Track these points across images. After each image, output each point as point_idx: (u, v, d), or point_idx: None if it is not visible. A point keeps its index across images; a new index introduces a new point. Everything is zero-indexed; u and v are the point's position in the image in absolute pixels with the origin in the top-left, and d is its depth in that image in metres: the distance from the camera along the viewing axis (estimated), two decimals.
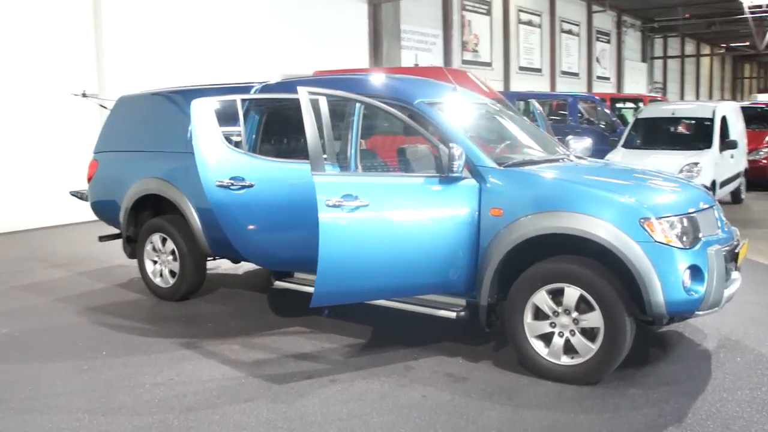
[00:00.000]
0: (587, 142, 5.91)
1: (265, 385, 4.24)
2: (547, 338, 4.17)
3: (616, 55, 30.19)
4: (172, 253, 6.08)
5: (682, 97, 36.30)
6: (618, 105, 18.80)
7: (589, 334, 4.02)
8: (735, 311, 5.50)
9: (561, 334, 4.11)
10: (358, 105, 4.83)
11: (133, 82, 9.21)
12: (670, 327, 5.12)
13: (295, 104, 4.71)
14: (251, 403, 3.98)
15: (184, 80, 9.16)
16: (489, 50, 21.15)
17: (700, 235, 4.03)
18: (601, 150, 11.23)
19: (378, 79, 5.12)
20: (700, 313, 3.96)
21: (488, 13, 21.08)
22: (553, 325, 4.13)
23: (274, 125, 5.44)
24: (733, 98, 43.44)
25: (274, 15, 14.15)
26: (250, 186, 4.68)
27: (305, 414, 3.81)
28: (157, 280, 6.26)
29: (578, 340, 4.05)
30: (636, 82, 30.89)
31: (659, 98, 21.75)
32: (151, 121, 6.45)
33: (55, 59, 10.47)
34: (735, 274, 4.53)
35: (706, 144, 10.39)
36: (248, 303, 6.14)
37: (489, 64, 21.16)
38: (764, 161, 13.66)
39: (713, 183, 10.08)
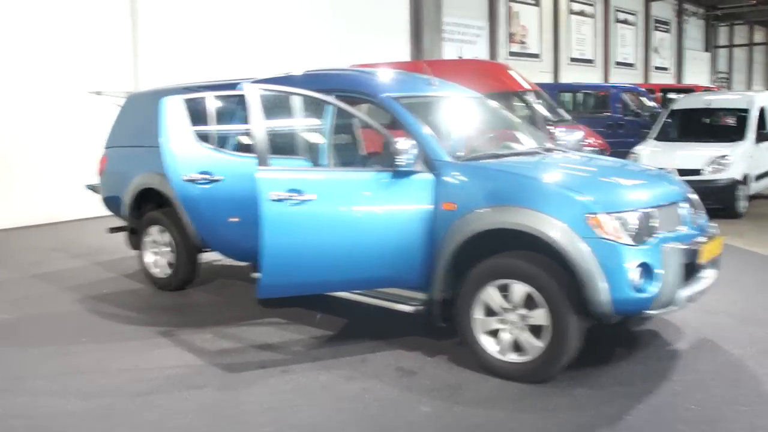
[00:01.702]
0: (578, 135, 5.74)
1: (219, 373, 4.34)
2: (496, 335, 4.10)
3: (676, 44, 29.06)
4: (169, 244, 6.27)
5: (749, 88, 34.63)
6: (670, 96, 18.15)
7: (537, 331, 3.94)
8: (729, 310, 5.31)
9: (509, 331, 4.04)
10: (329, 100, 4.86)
11: (167, 79, 9.46)
12: (646, 325, 4.97)
13: (275, 100, 4.81)
14: (199, 390, 4.09)
15: (218, 76, 9.34)
16: (538, 42, 20.75)
17: (655, 232, 3.88)
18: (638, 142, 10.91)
19: (347, 74, 5.14)
20: (652, 312, 3.83)
21: (537, 3, 20.68)
22: (501, 321, 4.06)
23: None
24: None
25: (310, 8, 14.21)
26: (218, 180, 4.78)
27: (244, 402, 3.90)
28: (155, 271, 6.46)
29: (525, 338, 3.98)
30: (698, 73, 29.63)
31: (716, 88, 20.88)
32: (155, 118, 6.63)
33: (93, 57, 10.81)
34: (706, 273, 4.34)
35: (741, 136, 9.95)
36: (240, 294, 6.25)
37: (537, 56, 20.77)
38: None
39: (745, 177, 9.65)
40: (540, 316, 3.88)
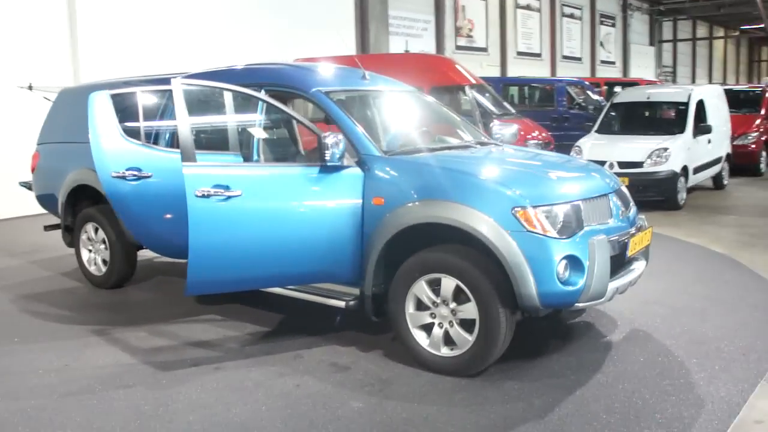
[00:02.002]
0: (513, 128, 5.81)
1: (150, 371, 4.28)
2: (428, 329, 4.13)
3: (621, 38, 29.63)
4: (104, 242, 6.14)
5: (693, 82, 35.55)
6: (615, 89, 18.51)
7: (467, 325, 3.97)
8: (664, 301, 5.45)
9: (441, 325, 4.08)
10: (262, 95, 4.81)
11: (108, 73, 9.23)
12: (581, 317, 5.08)
13: (207, 96, 4.74)
14: (129, 389, 4.03)
15: (159, 70, 9.17)
16: (485, 36, 20.91)
17: (583, 224, 3.94)
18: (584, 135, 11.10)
19: (280, 69, 5.10)
20: (580, 305, 3.89)
21: None
22: (433, 315, 4.10)
23: (195, 116, 5.40)
24: (749, 81, 42.43)
25: (254, 1, 14.09)
26: (148, 177, 4.70)
27: (175, 401, 3.85)
28: (92, 269, 6.33)
29: (456, 332, 4.02)
30: (643, 67, 30.28)
31: (659, 82, 21.37)
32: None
33: (30, 52, 10.52)
34: (636, 264, 4.44)
35: (681, 129, 10.21)
36: (178, 291, 6.15)
37: (485, 50, 20.93)
38: (752, 146, 13.36)
39: (685, 169, 9.92)
40: (469, 309, 3.92)
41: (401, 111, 5.41)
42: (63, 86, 7.01)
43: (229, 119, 4.91)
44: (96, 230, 6.21)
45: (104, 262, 6.21)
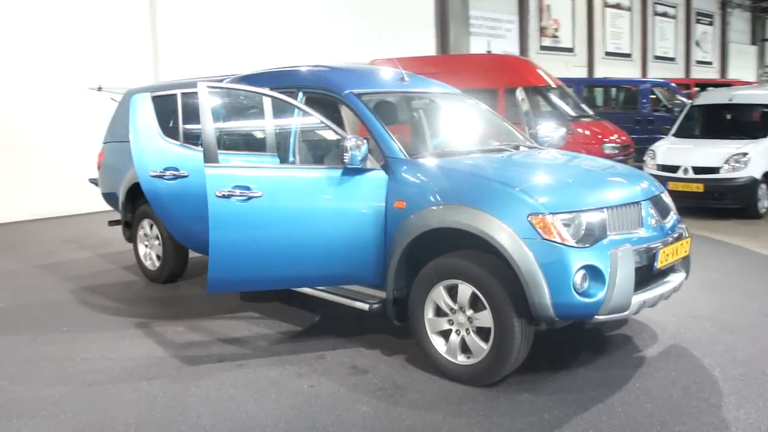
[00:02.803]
0: (560, 131, 5.61)
1: (177, 365, 4.41)
2: (446, 335, 4.06)
3: (719, 37, 28.09)
4: (157, 237, 6.38)
5: None
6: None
7: (483, 334, 3.87)
8: (716, 316, 5.14)
9: (458, 332, 3.99)
10: (299, 98, 4.87)
11: (187, 73, 9.58)
12: (620, 329, 4.85)
13: (246, 98, 4.84)
14: (152, 381, 4.16)
15: (236, 70, 9.44)
16: (571, 36, 20.34)
17: (606, 233, 3.76)
18: None
19: (314, 71, 5.13)
20: (601, 318, 3.69)
21: None
22: (450, 322, 4.02)
23: (232, 118, 5.53)
24: None
25: (334, 2, 14.20)
26: (185, 176, 4.84)
27: (190, 395, 3.95)
28: (147, 263, 6.59)
29: (472, 340, 3.92)
30: (743, 67, 28.56)
31: (757, 83, 20.12)
32: None
33: (114, 52, 11.04)
34: (672, 276, 4.20)
35: (764, 133, 9.58)
36: None
37: (571, 50, 20.37)
38: None
39: (767, 175, 9.29)
40: (485, 317, 3.82)
41: (437, 113, 5.33)
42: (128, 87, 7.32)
43: (267, 121, 4.98)
44: (151, 226, 6.45)
45: (158, 257, 6.44)
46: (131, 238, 6.85)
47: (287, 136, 4.94)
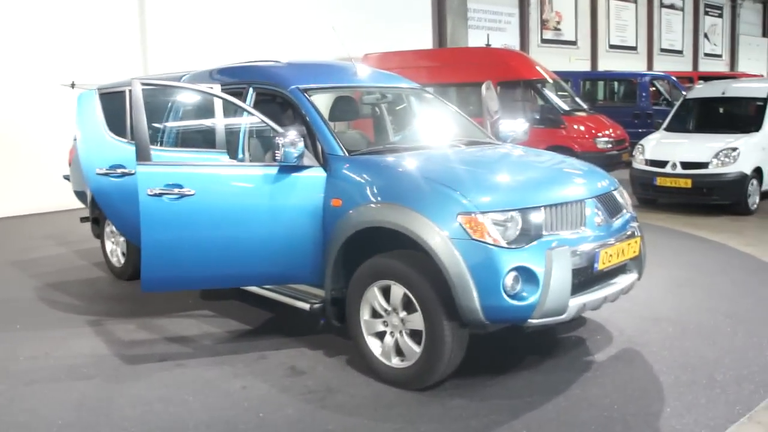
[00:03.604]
0: (522, 126, 5.46)
1: (117, 364, 4.36)
2: (382, 337, 3.95)
3: (729, 30, 27.56)
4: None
5: None
6: None
7: (416, 336, 3.76)
8: (678, 317, 4.99)
9: (392, 335, 3.88)
10: (249, 94, 4.77)
11: (176, 67, 9.49)
12: (576, 331, 4.71)
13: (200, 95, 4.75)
14: (89, 381, 4.12)
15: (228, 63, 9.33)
16: (574, 28, 20.06)
17: (542, 233, 3.62)
18: None
19: (262, 67, 5.03)
20: (534, 322, 3.56)
21: None
22: (385, 324, 3.92)
23: (185, 115, 5.43)
24: None
25: None
26: (132, 174, 4.75)
27: (122, 395, 3.90)
28: (113, 260, 6.55)
29: (405, 342, 3.82)
30: (755, 60, 28.02)
31: (761, 76, 19.73)
32: None
33: (102, 47, 10.94)
34: (620, 278, 4.06)
35: (757, 127, 9.36)
36: None
37: (574, 43, 20.09)
38: None
39: (758, 170, 9.10)
40: (416, 320, 3.71)
41: (390, 109, 5.21)
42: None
43: (218, 118, 4.87)
44: None
45: (123, 254, 6.39)
46: (98, 234, 6.80)
47: (237, 134, 4.84)
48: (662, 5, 23.92)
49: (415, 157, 4.27)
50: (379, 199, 3.87)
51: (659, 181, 9.23)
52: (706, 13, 26.27)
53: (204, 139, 5.06)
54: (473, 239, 3.47)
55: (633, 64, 21.66)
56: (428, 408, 3.62)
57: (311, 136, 4.25)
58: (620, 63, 20.34)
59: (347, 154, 4.18)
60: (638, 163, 9.57)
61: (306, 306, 4.29)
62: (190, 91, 4.82)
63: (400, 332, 3.84)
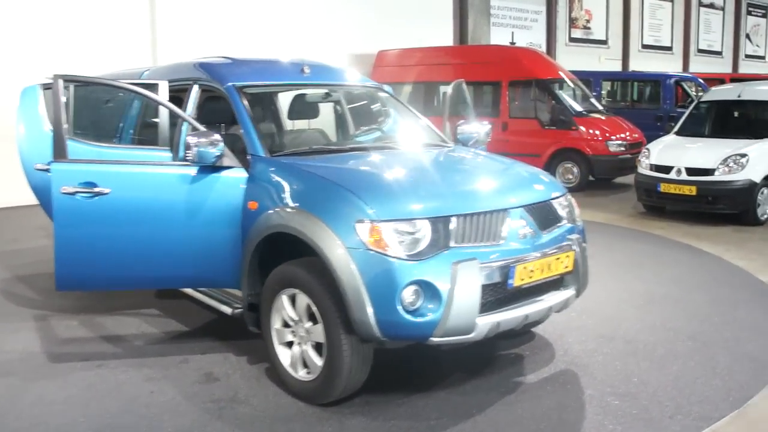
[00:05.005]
0: (482, 128, 5.18)
1: (39, 363, 4.33)
2: (291, 348, 3.79)
3: None
4: None
5: None
6: None
7: (321, 349, 3.59)
8: (632, 336, 4.69)
9: (300, 345, 3.72)
10: (195, 91, 4.65)
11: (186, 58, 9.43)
12: (518, 347, 4.47)
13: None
14: (4, 378, 4.10)
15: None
16: (605, 27, 19.47)
17: (449, 244, 3.40)
18: None
19: (204, 63, 4.89)
20: (436, 340, 3.35)
21: None
22: (294, 334, 3.75)
23: (142, 113, 5.31)
24: None
25: None
26: None
27: (31, 394, 3.87)
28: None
29: (308, 354, 3.65)
30: None
31: None
32: None
33: (112, 36, 10.96)
34: (549, 295, 3.80)
35: None
36: None
37: (604, 42, 19.51)
38: None
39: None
40: (319, 331, 3.53)
41: (332, 108, 5.03)
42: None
43: (163, 115, 4.76)
44: None
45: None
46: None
47: (178, 131, 4.72)
48: (701, 4, 23.05)
49: (335, 160, 4.11)
50: (287, 203, 3.72)
51: (663, 188, 8.82)
52: (749, 12, 25.22)
53: (152, 137, 4.97)
54: (370, 249, 3.28)
55: (667, 65, 20.93)
56: (323, 426, 3.46)
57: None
58: (654, 64, 19.68)
59: (269, 155, 4.03)
60: (643, 168, 9.18)
61: (228, 310, 4.18)
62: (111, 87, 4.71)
63: (306, 344, 3.67)
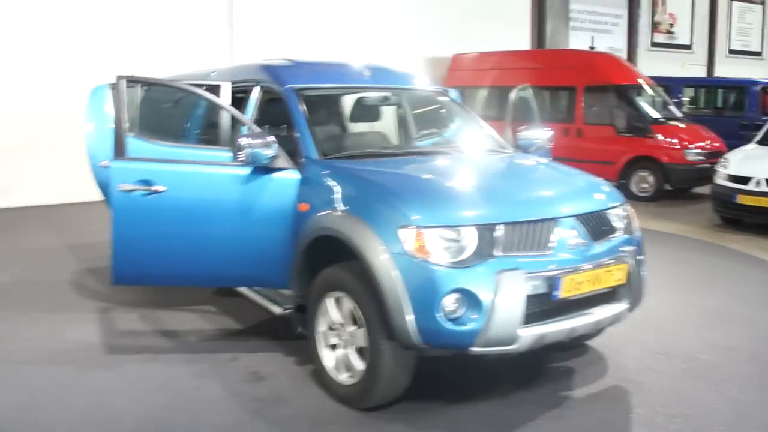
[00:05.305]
0: (543, 134, 5.04)
1: (97, 353, 4.48)
2: (334, 350, 3.79)
3: None
4: None
5: None
6: None
7: (364, 353, 3.57)
8: (691, 355, 4.46)
9: (344, 348, 3.72)
10: (257, 92, 4.72)
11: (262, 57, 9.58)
12: (569, 360, 4.33)
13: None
14: (61, 367, 4.25)
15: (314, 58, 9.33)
16: (689, 31, 18.71)
17: (494, 253, 3.32)
18: None
19: (264, 65, 4.96)
20: (477, 350, 3.28)
21: None
22: (338, 337, 3.75)
23: (195, 112, 5.43)
24: None
25: None
26: None
27: (84, 384, 4.00)
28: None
29: (352, 358, 3.65)
30: None
31: None
32: None
33: (191, 36, 11.24)
34: (599, 309, 3.65)
35: None
36: None
37: (688, 47, 18.74)
38: None
39: None
40: (361, 336, 3.52)
41: (393, 111, 5.02)
42: None
43: (225, 116, 4.85)
44: None
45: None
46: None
47: (237, 132, 4.81)
48: None
49: (388, 164, 4.09)
50: (336, 205, 3.72)
51: (740, 199, 8.40)
52: None
53: (216, 137, 5.08)
54: (412, 256, 3.24)
55: (757, 71, 19.93)
56: (361, 430, 3.45)
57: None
58: (742, 70, 18.76)
59: (321, 158, 4.05)
60: (720, 179, 8.77)
61: (278, 310, 4.22)
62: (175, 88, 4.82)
63: (349, 347, 3.67)
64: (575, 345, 4.46)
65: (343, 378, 3.71)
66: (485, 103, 12.48)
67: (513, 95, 5.54)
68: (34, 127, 9.88)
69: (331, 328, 3.80)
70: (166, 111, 5.59)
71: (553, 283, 3.40)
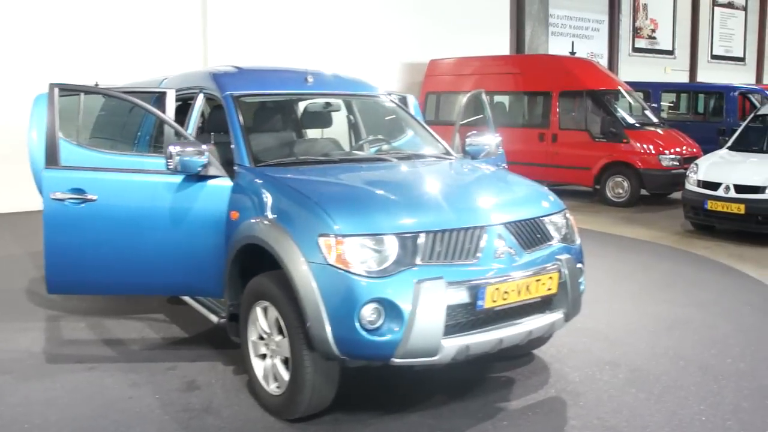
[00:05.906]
0: (491, 139, 5.01)
1: (36, 364, 4.44)
2: (264, 360, 3.76)
3: None
4: None
5: None
6: None
7: (288, 363, 3.54)
8: (638, 365, 4.40)
9: (271, 358, 3.68)
10: (200, 99, 4.69)
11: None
12: (510, 370, 4.29)
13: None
14: (1, 376, 4.19)
15: (289, 65, 9.30)
16: (671, 37, 18.75)
17: (415, 262, 3.28)
18: None
19: (208, 72, 4.94)
20: (398, 361, 3.24)
21: None
22: (267, 346, 3.71)
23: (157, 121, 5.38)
24: None
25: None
26: None
27: (16, 394, 3.96)
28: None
29: (279, 368, 3.61)
30: None
31: None
32: None
33: (164, 42, 11.19)
34: (530, 319, 3.61)
35: None
36: None
37: (670, 53, 18.77)
38: None
39: None
40: (285, 346, 3.48)
41: (330, 118, 4.99)
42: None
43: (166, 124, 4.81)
44: None
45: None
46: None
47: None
48: None
49: (318, 172, 4.06)
50: (263, 214, 3.69)
51: (710, 205, 8.40)
52: None
53: (161, 145, 5.04)
54: (330, 264, 3.21)
55: (739, 76, 19.97)
56: None
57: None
58: (724, 75, 18.80)
59: (253, 165, 4.02)
60: (690, 184, 8.76)
61: (215, 319, 4.19)
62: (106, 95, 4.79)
63: (276, 357, 3.63)
64: (520, 354, 4.43)
65: (272, 388, 3.68)
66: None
67: (464, 100, 5.52)
68: None
69: (260, 338, 3.77)
70: (122, 119, 5.57)
71: (476, 292, 3.35)
